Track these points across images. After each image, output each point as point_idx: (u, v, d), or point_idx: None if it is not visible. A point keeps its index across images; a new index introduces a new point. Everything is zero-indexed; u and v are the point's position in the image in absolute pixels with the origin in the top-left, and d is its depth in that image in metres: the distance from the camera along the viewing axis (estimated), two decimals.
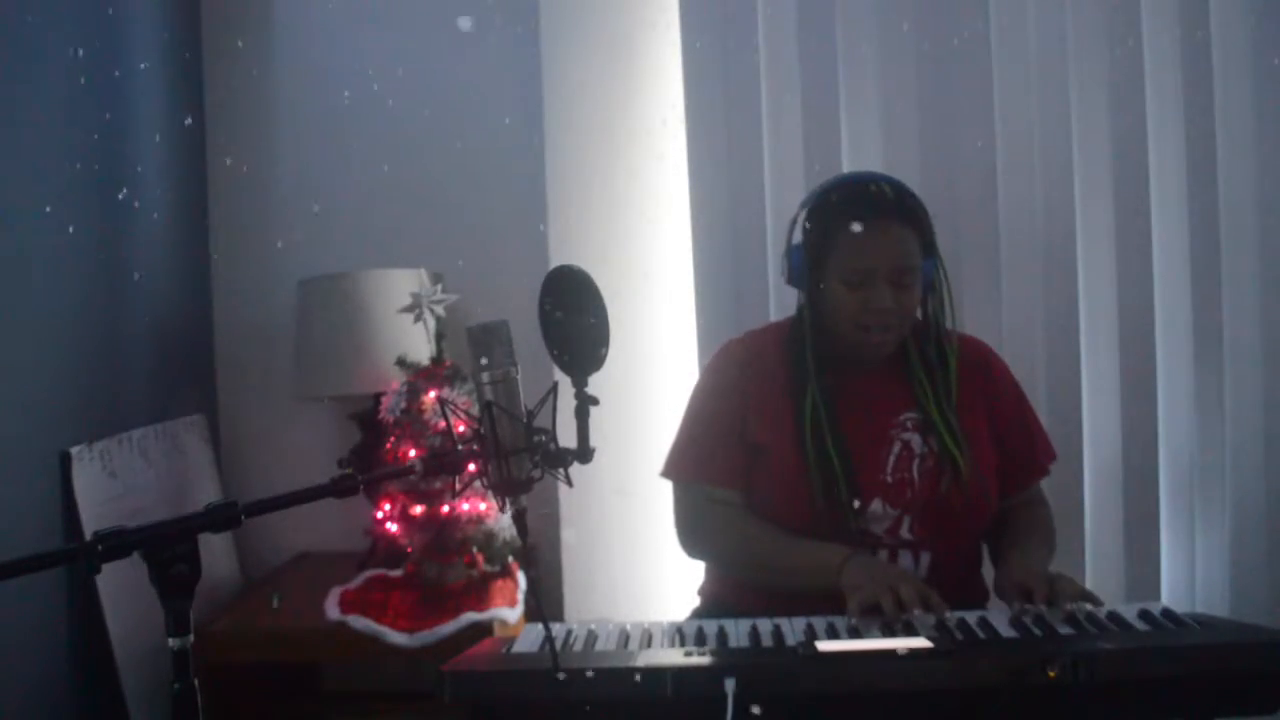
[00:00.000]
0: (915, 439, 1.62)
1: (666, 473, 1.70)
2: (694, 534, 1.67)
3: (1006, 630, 1.34)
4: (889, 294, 1.56)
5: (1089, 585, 2.12)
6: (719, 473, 1.64)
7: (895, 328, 1.59)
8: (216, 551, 2.30)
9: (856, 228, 1.55)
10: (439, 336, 2.16)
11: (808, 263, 1.62)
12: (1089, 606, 1.39)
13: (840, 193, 1.61)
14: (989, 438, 1.67)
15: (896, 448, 1.62)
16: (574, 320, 1.16)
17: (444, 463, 1.15)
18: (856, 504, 1.57)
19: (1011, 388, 1.74)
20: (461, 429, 1.18)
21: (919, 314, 1.66)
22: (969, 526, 1.65)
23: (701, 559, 1.74)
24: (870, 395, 1.63)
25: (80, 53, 1.98)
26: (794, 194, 2.18)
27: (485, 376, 1.12)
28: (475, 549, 2.04)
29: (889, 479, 1.60)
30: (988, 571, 1.70)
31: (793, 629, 1.36)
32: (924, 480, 1.60)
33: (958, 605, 1.41)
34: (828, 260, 1.59)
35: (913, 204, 1.59)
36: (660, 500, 1.73)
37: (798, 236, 1.64)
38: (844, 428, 1.60)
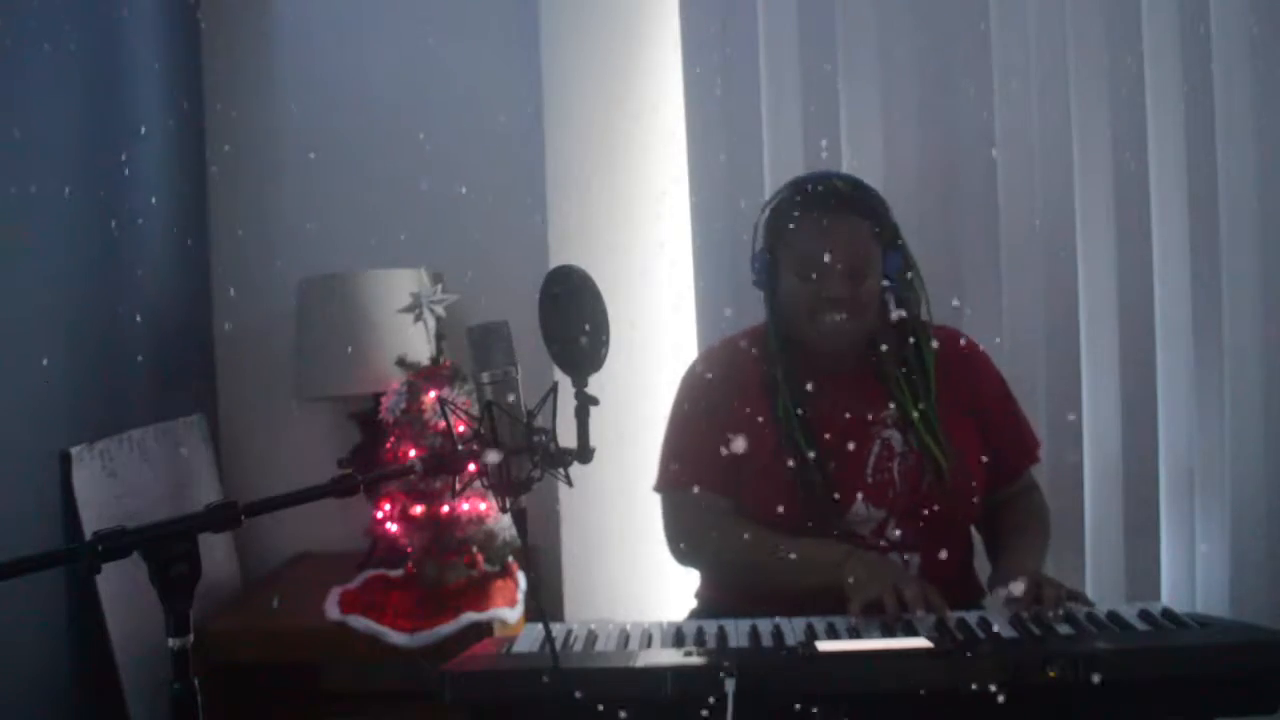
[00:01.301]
0: (896, 436, 1.62)
1: (657, 487, 1.71)
2: (686, 542, 1.67)
3: (1006, 630, 1.34)
4: (841, 284, 1.57)
5: (1089, 585, 2.14)
6: (705, 480, 1.64)
7: (848, 317, 1.59)
8: (216, 551, 2.30)
9: (804, 221, 1.58)
10: (439, 336, 2.16)
11: (766, 260, 1.64)
12: (1082, 609, 1.38)
13: (790, 190, 1.65)
14: (973, 430, 1.66)
15: (877, 446, 1.62)
16: (574, 320, 1.16)
17: (444, 463, 1.15)
18: (840, 506, 1.57)
19: (994, 377, 1.74)
20: (461, 429, 1.18)
21: (892, 310, 1.66)
22: (955, 524, 1.64)
23: (695, 567, 1.74)
24: (848, 394, 1.63)
25: (80, 53, 1.97)
26: None
27: (485, 377, 1.13)
28: (475, 549, 2.04)
29: (870, 479, 1.60)
30: (981, 568, 1.70)
31: (793, 629, 1.36)
32: (905, 479, 1.60)
33: (952, 605, 1.41)
34: (782, 254, 1.61)
35: (866, 196, 1.61)
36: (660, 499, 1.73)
37: (760, 240, 1.67)
38: (822, 428, 1.60)
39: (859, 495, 1.59)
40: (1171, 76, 2.12)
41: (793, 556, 1.52)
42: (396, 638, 1.89)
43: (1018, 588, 1.41)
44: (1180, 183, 2.13)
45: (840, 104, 2.21)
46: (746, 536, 1.60)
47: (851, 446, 1.61)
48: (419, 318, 2.13)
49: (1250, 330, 2.10)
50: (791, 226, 1.60)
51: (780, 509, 1.57)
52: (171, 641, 1.00)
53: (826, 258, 1.56)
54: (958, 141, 2.22)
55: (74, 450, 1.87)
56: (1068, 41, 2.15)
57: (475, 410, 1.15)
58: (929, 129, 2.23)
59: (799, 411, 1.60)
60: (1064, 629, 1.33)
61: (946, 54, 2.21)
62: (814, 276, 1.57)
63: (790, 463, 1.58)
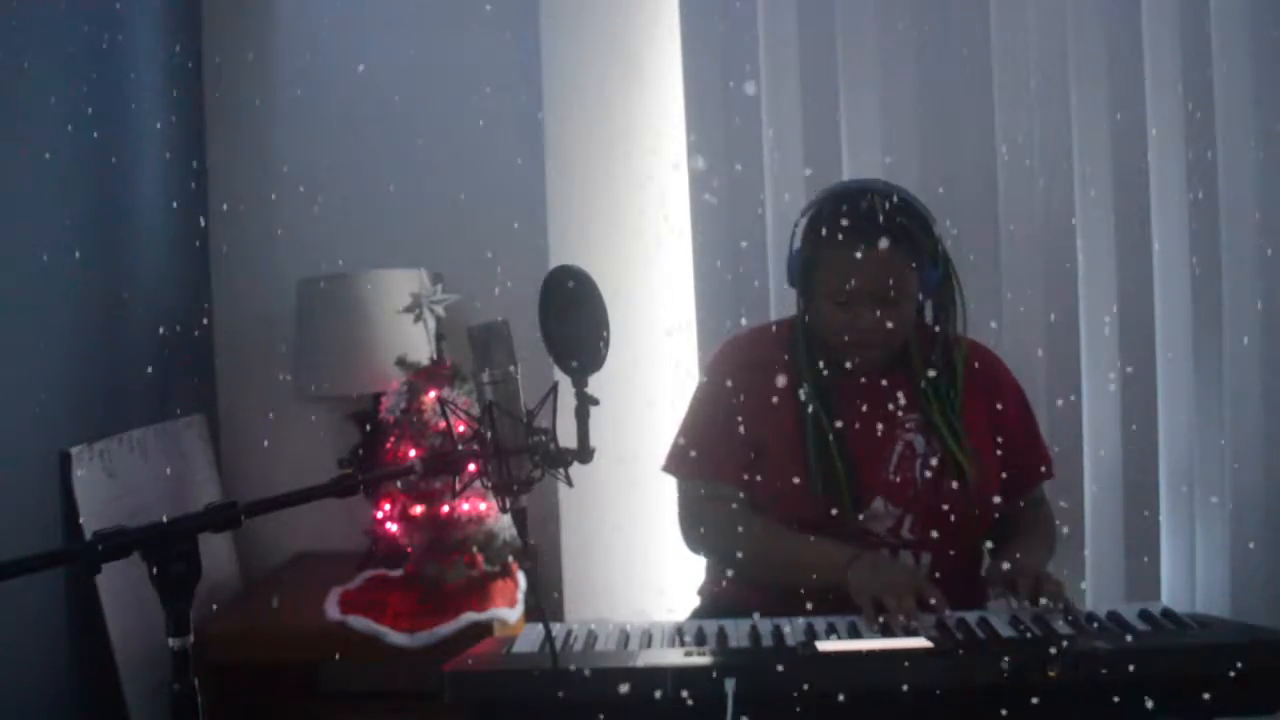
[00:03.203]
0: (918, 439, 1.62)
1: (668, 468, 1.71)
2: (698, 530, 1.67)
3: (1006, 630, 1.34)
4: (874, 314, 1.56)
5: (1089, 585, 2.14)
6: (722, 469, 1.65)
7: (880, 345, 1.60)
8: (216, 551, 2.30)
9: (841, 249, 1.54)
10: (439, 336, 2.16)
11: (801, 274, 1.64)
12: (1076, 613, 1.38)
13: (833, 207, 1.59)
14: (992, 441, 1.67)
15: (899, 447, 1.62)
16: (574, 320, 1.16)
17: (444, 463, 1.15)
18: (859, 503, 1.57)
19: (1015, 393, 1.75)
20: (461, 429, 1.18)
21: (929, 318, 1.67)
22: (970, 528, 1.64)
23: (705, 555, 1.75)
24: (873, 395, 1.63)
25: (80, 52, 1.98)
26: (794, 194, 2.19)
27: (485, 377, 1.12)
28: (475, 549, 2.04)
29: (891, 478, 1.61)
30: None
31: (793, 629, 1.36)
32: (926, 480, 1.61)
33: (957, 608, 1.41)
34: (816, 276, 1.60)
35: (906, 220, 1.56)
36: (660, 499, 1.74)
37: (796, 243, 1.65)
38: (846, 426, 1.60)
39: (879, 493, 1.60)
40: (1171, 76, 2.12)
41: (813, 554, 1.52)
42: (396, 638, 1.89)
43: (1021, 580, 1.42)
44: (1180, 184, 2.13)
45: (840, 104, 2.21)
46: (760, 530, 1.60)
47: (875, 445, 1.61)
48: (419, 318, 2.13)
49: (1250, 331, 2.10)
50: (826, 252, 1.57)
51: (798, 502, 1.58)
52: (171, 641, 1.00)
53: (859, 290, 1.55)
54: (958, 142, 2.22)
55: (74, 450, 1.87)
56: (1068, 41, 2.15)
57: (475, 410, 1.15)
58: (929, 129, 2.22)
59: (825, 406, 1.60)
60: (1064, 629, 1.33)
61: (946, 54, 2.21)
62: (846, 306, 1.57)
63: (812, 457, 1.58)
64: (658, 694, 1.15)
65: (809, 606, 1.44)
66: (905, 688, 1.16)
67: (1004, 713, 1.15)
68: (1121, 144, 2.15)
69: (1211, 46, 2.08)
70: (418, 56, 2.44)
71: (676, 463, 1.70)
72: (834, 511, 1.56)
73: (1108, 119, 2.15)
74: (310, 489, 1.09)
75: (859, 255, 1.53)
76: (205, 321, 2.53)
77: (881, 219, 1.55)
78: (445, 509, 2.02)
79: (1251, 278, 2.10)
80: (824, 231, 1.58)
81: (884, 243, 1.53)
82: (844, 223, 1.56)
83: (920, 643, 1.24)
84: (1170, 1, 2.11)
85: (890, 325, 1.57)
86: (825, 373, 1.62)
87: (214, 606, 2.11)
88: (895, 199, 1.58)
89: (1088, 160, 2.16)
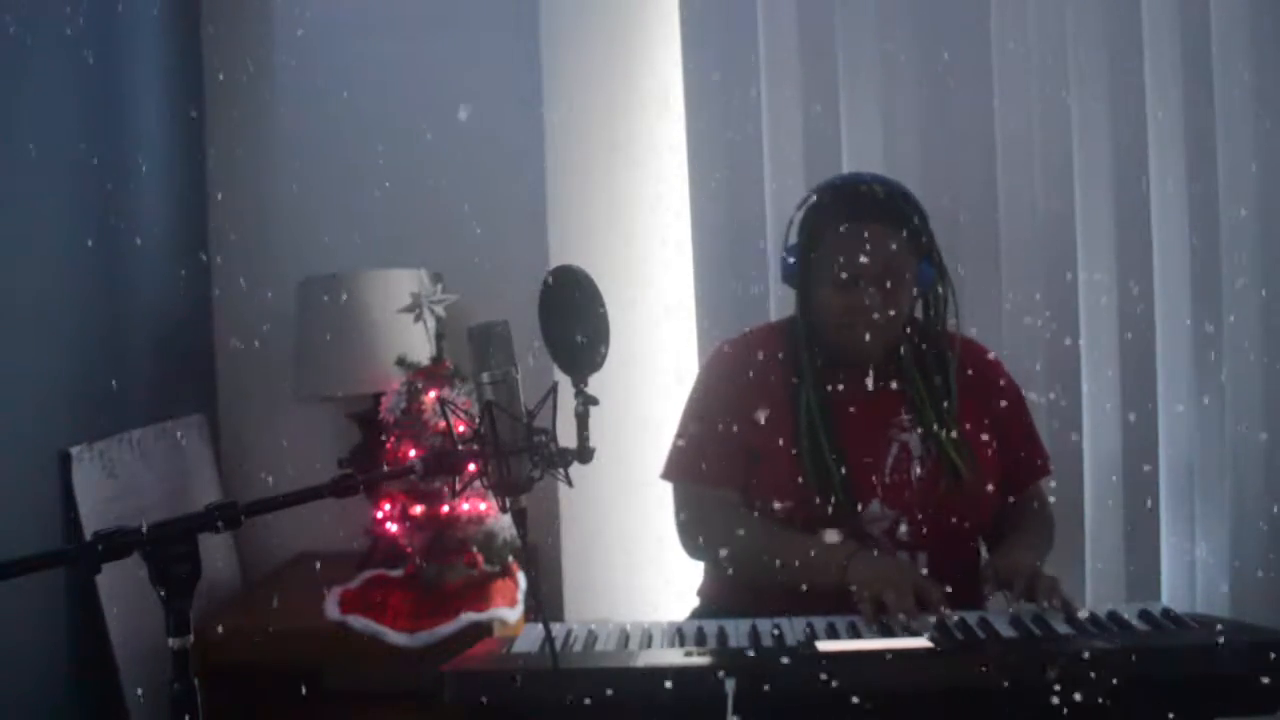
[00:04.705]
0: (914, 440, 1.62)
1: (666, 474, 1.71)
2: (695, 534, 1.67)
3: (1006, 630, 1.34)
4: (872, 296, 1.56)
5: (1089, 585, 2.14)
6: (718, 473, 1.64)
7: (880, 328, 1.59)
8: (216, 551, 2.30)
9: (840, 230, 1.57)
10: (439, 336, 2.16)
11: (798, 263, 1.64)
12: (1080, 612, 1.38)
13: (829, 194, 1.63)
14: (988, 439, 1.67)
15: (894, 449, 1.62)
16: (574, 320, 1.16)
17: (444, 463, 1.15)
18: (856, 505, 1.57)
19: (1011, 390, 1.74)
20: (461, 429, 1.18)
21: (919, 315, 1.67)
22: (967, 528, 1.64)
23: (703, 559, 1.74)
24: (868, 396, 1.64)
25: (81, 54, 1.98)
26: (794, 194, 2.18)
27: (485, 377, 1.12)
28: (475, 549, 2.04)
29: (887, 480, 1.60)
30: None
31: (793, 629, 1.36)
32: (922, 481, 1.60)
33: (955, 608, 1.41)
34: (814, 261, 1.61)
35: (902, 206, 1.59)
36: (660, 500, 1.73)
37: (792, 237, 1.66)
38: (841, 428, 1.60)
39: (875, 495, 1.60)
40: (1171, 76, 2.12)
41: (811, 554, 1.52)
42: (396, 638, 1.89)
43: (1016, 578, 1.42)
44: (1180, 184, 2.13)
45: (840, 104, 2.22)
46: (754, 531, 1.60)
47: (871, 447, 1.61)
48: (419, 318, 2.13)
49: (1250, 330, 2.10)
50: (826, 234, 1.59)
51: (795, 505, 1.58)
52: (171, 641, 1.00)
53: (859, 271, 1.56)
54: (958, 142, 2.22)
55: (74, 450, 1.87)
56: (1068, 41, 2.15)
57: (475, 410, 1.15)
58: (929, 129, 2.23)
59: (820, 409, 1.60)
60: (1064, 629, 1.33)
61: (946, 54, 2.21)
62: (846, 288, 1.57)
63: (808, 459, 1.58)
64: (658, 694, 1.15)
65: (809, 606, 1.43)
66: (905, 688, 1.16)
67: (1004, 713, 1.15)
68: (1121, 143, 2.15)
69: (1211, 46, 2.08)
70: (418, 57, 2.44)
71: (672, 467, 1.70)
72: (830, 514, 1.56)
73: (1108, 118, 2.15)
74: (310, 489, 1.09)
75: (859, 234, 1.55)
76: (205, 321, 2.53)
77: (881, 201, 1.58)
78: (445, 509, 2.02)
79: (1251, 278, 2.10)
80: (823, 216, 1.60)
81: (884, 222, 1.56)
82: (844, 205, 1.59)
83: (920, 643, 1.24)
84: (1170, 1, 2.11)
85: (889, 308, 1.58)
86: (821, 372, 1.62)
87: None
88: (893, 187, 1.61)
89: (1088, 161, 2.16)
